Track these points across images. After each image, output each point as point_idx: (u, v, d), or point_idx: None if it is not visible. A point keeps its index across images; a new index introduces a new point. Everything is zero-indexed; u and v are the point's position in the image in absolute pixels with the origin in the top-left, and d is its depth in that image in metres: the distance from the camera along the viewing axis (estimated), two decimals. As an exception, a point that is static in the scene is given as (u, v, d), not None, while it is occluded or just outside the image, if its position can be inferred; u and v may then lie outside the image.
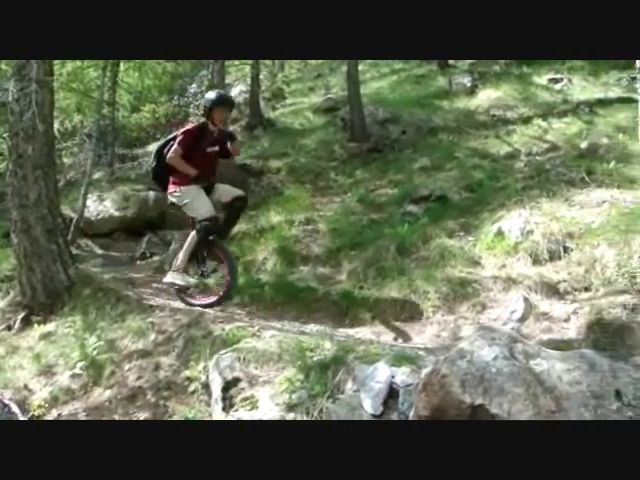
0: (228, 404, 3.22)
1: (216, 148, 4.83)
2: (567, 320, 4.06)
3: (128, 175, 9.20)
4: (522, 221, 4.84)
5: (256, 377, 3.45)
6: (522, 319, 4.04)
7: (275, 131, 9.32)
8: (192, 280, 4.84)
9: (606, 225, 4.56)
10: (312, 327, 4.58)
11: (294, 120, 9.69)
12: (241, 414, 3.05)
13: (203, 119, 4.86)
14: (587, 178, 5.52)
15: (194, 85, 12.09)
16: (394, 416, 2.75)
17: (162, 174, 4.82)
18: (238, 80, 11.51)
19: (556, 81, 9.27)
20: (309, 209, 6.41)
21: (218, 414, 3.16)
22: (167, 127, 9.43)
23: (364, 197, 6.39)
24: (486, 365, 2.27)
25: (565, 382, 2.20)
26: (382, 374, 2.90)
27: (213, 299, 4.83)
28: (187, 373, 3.87)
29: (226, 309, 4.79)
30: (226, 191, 4.93)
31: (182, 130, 4.78)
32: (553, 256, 4.56)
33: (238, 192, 4.97)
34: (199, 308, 4.67)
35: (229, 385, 3.33)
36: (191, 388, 3.76)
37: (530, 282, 4.31)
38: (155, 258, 6.97)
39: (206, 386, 3.64)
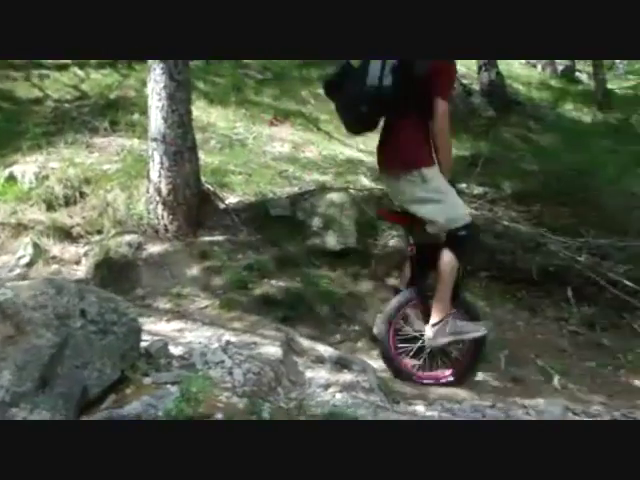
0: None
1: None
2: (78, 262, 4.11)
3: None
4: (37, 166, 4.67)
5: None
6: (30, 264, 3.94)
7: None
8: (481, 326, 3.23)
9: (121, 171, 4.74)
10: None
11: None
12: None
13: None
14: (110, 128, 5.62)
15: None
16: None
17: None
18: None
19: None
20: None
21: None
22: None
23: None
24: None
25: (29, 307, 2.17)
26: None
27: (447, 375, 3.30)
28: None
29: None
30: None
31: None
32: (69, 201, 4.53)
33: None
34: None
35: None
36: None
37: (42, 227, 4.21)
38: None
39: None
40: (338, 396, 2.82)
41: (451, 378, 3.28)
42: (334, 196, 4.69)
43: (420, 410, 2.85)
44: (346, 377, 3.02)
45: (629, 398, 3.59)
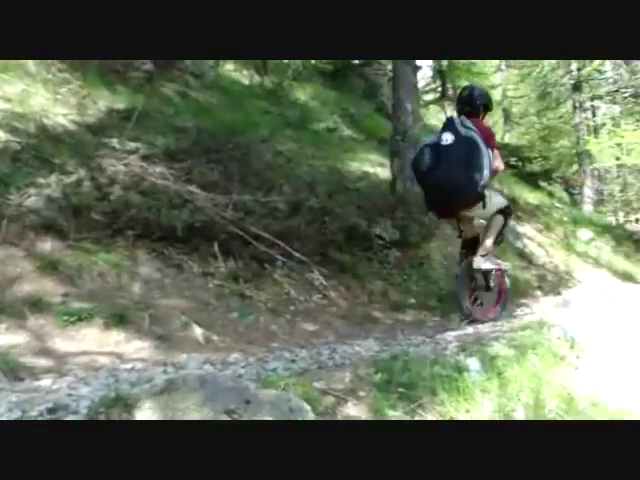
0: None
1: None
2: None
3: None
4: None
5: None
6: None
7: None
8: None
9: None
10: None
11: None
12: None
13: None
14: None
15: None
16: None
17: None
18: None
19: None
20: None
21: None
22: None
23: None
24: None
25: None
26: None
27: (495, 311, 4.77)
28: None
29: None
30: None
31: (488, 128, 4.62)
32: None
33: None
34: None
35: None
36: None
37: None
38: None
39: None
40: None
41: (493, 315, 4.63)
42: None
43: (46, 384, 2.65)
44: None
45: (266, 343, 3.88)
